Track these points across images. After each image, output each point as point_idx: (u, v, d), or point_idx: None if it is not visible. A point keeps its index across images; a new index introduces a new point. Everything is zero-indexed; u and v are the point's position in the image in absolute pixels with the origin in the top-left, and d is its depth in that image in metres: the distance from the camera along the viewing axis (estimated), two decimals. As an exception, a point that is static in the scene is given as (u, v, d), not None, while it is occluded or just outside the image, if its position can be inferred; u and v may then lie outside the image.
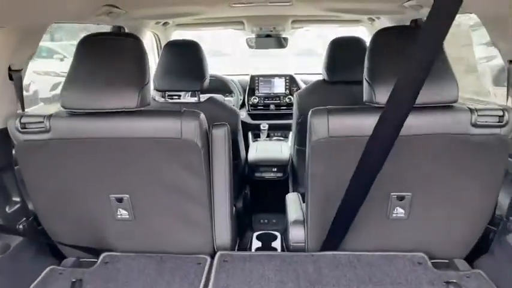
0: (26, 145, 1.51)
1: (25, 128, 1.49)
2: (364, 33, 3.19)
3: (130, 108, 1.44)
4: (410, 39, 1.32)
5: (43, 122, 1.48)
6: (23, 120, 1.49)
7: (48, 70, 7.70)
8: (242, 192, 2.82)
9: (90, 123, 1.48)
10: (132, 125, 1.48)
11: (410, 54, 1.20)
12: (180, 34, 3.53)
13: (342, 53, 2.38)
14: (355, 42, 2.39)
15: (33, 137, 1.49)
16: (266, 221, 3.01)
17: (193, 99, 2.50)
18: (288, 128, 3.38)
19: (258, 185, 2.99)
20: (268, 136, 3.50)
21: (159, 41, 3.26)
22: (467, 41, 2.59)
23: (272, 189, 2.94)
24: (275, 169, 2.94)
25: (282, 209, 2.09)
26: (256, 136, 3.52)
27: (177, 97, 3.11)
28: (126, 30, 2.57)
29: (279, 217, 2.94)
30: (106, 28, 2.50)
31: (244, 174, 2.89)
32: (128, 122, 1.48)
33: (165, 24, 3.09)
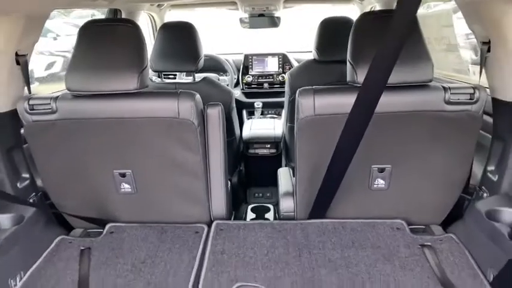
0: (34, 125, 1.62)
1: (33, 110, 1.60)
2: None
3: (131, 90, 1.55)
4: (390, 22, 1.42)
5: (50, 103, 1.59)
6: (31, 102, 1.60)
7: (43, 49, 7.66)
8: (237, 168, 2.94)
9: (94, 104, 1.59)
10: (133, 105, 1.60)
11: (385, 36, 1.27)
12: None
13: (332, 33, 2.44)
14: (345, 22, 2.44)
15: (40, 117, 1.61)
16: (261, 194, 3.15)
17: (189, 79, 2.59)
18: (281, 105, 3.45)
19: (253, 161, 3.12)
20: (262, 114, 3.60)
21: (154, 22, 3.34)
22: (449, 22, 2.69)
23: (266, 164, 3.07)
24: (268, 145, 3.07)
25: (275, 183, 2.20)
26: (251, 114, 3.63)
27: (172, 76, 3.22)
28: (123, 12, 2.64)
29: (273, 190, 3.08)
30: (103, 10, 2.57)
31: (239, 151, 3.01)
32: (128, 102, 1.59)
33: (159, 5, 3.16)
